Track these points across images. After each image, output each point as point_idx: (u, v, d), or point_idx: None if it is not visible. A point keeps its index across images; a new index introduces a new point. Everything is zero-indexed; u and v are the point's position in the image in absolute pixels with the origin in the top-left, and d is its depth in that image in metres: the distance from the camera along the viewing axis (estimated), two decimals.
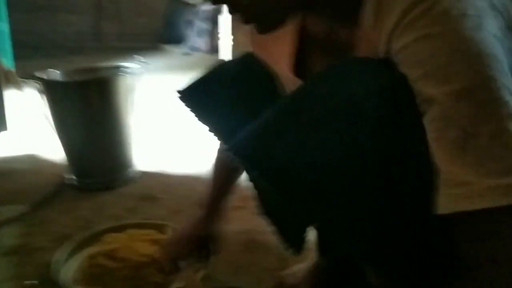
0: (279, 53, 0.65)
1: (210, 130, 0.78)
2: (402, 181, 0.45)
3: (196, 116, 0.78)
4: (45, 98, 1.29)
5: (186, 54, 5.23)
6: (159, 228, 1.03)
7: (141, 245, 0.93)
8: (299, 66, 0.63)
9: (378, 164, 0.45)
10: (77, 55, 4.69)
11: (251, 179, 0.72)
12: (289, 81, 0.66)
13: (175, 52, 5.47)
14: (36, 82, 1.28)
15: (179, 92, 0.79)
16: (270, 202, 0.77)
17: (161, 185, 1.41)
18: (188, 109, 0.78)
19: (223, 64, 0.80)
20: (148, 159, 1.59)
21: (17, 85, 1.72)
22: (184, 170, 1.54)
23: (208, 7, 5.31)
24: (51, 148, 1.63)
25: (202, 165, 1.55)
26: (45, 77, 1.31)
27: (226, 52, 2.27)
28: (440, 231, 0.45)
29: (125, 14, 6.03)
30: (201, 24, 5.37)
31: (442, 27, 0.42)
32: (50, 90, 1.29)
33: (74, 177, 1.38)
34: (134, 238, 0.96)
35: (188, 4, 5.83)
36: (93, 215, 1.21)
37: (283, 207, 0.58)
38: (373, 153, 0.45)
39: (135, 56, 1.46)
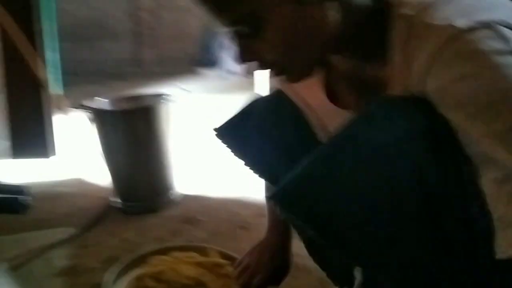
0: (309, 91, 0.68)
1: (245, 165, 0.81)
2: (448, 223, 0.45)
3: (232, 152, 0.82)
4: (94, 125, 1.37)
5: (222, 77, 5.35)
6: (203, 251, 1.05)
7: (186, 268, 0.96)
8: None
9: (423, 207, 0.46)
10: (118, 81, 4.89)
11: (295, 225, 0.73)
12: (321, 115, 0.67)
13: (211, 75, 5.61)
14: (87, 111, 1.36)
15: (215, 129, 0.83)
16: (315, 246, 0.77)
17: (202, 208, 1.45)
18: (224, 145, 0.82)
19: (256, 101, 0.83)
20: (189, 182, 1.63)
21: (66, 111, 1.81)
22: (224, 193, 1.57)
23: None
24: (96, 172, 1.71)
25: (241, 188, 1.58)
26: (94, 105, 1.39)
27: (261, 77, 2.33)
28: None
29: (162, 40, 6.25)
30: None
31: (477, 66, 0.42)
32: (99, 118, 1.36)
33: (119, 201, 1.44)
34: (179, 261, 0.99)
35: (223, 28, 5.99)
36: (138, 237, 1.26)
37: (328, 250, 0.60)
38: (417, 196, 0.45)
39: (176, 83, 1.52)
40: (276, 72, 0.57)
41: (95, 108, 1.38)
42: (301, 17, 0.51)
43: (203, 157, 1.99)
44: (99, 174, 1.66)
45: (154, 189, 1.43)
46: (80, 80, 4.62)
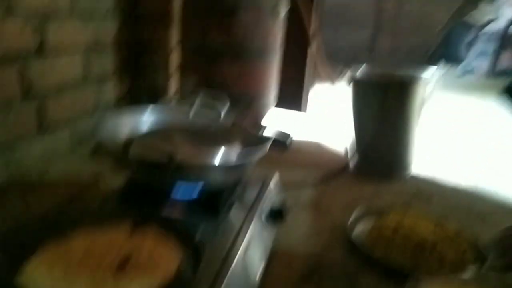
0: None
1: None
2: None
3: None
4: (351, 90, 1.52)
5: (461, 75, 4.99)
6: (440, 223, 1.09)
7: (423, 230, 1.02)
8: None
9: None
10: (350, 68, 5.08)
11: None
12: None
13: (448, 72, 5.29)
14: (347, 77, 1.52)
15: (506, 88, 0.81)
16: None
17: (435, 190, 1.46)
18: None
19: None
20: (425, 164, 1.66)
21: (326, 75, 2.01)
22: (458, 182, 1.55)
23: (494, 27, 4.92)
24: (337, 134, 1.90)
25: (476, 179, 1.54)
26: (354, 74, 1.54)
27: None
28: None
29: (401, 30, 6.17)
30: (483, 46, 5.02)
31: None
32: (357, 86, 1.50)
33: (357, 164, 1.58)
34: (418, 222, 1.05)
35: (470, 24, 5.53)
36: (372, 197, 1.37)
37: None
38: None
39: (435, 64, 1.55)
40: None
41: (355, 77, 1.52)
42: None
43: (441, 143, 2.00)
44: (339, 136, 1.84)
45: (390, 161, 1.51)
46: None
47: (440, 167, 1.69)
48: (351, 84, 1.52)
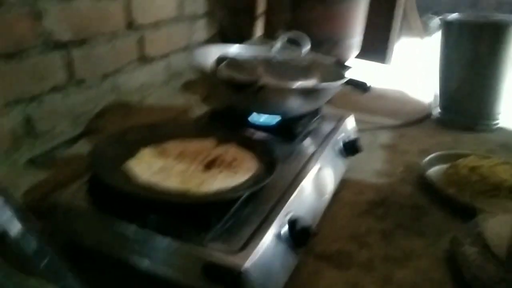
0: None
1: None
2: None
3: None
4: (440, 37, 1.46)
5: None
6: None
7: (503, 171, 1.00)
8: None
9: None
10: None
11: None
12: None
13: None
14: (438, 19, 1.45)
15: None
16: None
17: None
18: None
19: None
20: None
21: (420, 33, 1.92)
22: None
23: None
24: (421, 85, 1.85)
25: None
26: (445, 18, 1.46)
27: None
28: None
29: None
30: None
31: None
32: (448, 29, 1.44)
33: (440, 111, 1.53)
34: (497, 164, 1.03)
35: None
36: (454, 144, 1.34)
37: None
38: None
39: None
40: None
41: (447, 19, 1.45)
42: None
43: None
44: (424, 88, 1.79)
45: (477, 109, 1.45)
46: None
47: None
48: (442, 29, 1.46)
